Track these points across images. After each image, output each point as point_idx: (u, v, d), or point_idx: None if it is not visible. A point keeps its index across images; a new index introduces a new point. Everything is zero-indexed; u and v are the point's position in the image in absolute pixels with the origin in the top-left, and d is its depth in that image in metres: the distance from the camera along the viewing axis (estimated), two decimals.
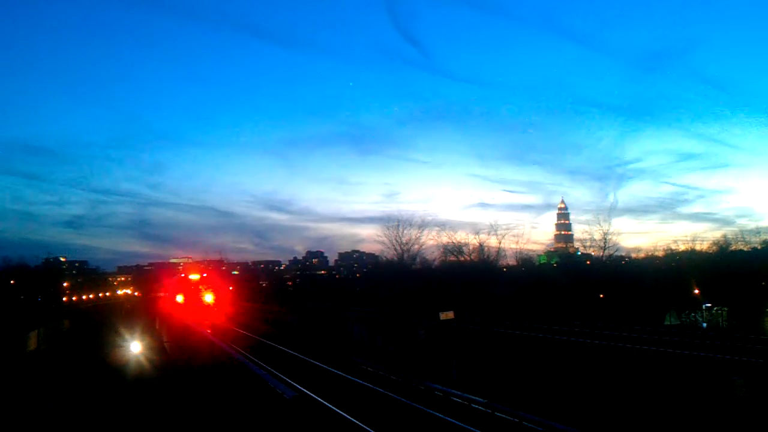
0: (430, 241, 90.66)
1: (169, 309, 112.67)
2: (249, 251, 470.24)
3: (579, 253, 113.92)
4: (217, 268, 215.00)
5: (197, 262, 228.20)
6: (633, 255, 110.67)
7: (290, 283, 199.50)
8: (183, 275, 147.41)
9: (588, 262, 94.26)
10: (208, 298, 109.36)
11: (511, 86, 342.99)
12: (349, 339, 62.47)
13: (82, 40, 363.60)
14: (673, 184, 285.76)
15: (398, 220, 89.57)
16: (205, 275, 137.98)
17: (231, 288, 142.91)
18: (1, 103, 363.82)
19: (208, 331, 78.19)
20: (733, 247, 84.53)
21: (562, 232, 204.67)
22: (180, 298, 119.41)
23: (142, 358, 43.98)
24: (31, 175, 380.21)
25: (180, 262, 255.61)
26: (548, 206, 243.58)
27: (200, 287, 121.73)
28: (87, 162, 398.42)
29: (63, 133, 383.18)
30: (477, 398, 30.18)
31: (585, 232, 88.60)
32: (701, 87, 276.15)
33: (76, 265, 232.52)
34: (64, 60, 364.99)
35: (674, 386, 32.04)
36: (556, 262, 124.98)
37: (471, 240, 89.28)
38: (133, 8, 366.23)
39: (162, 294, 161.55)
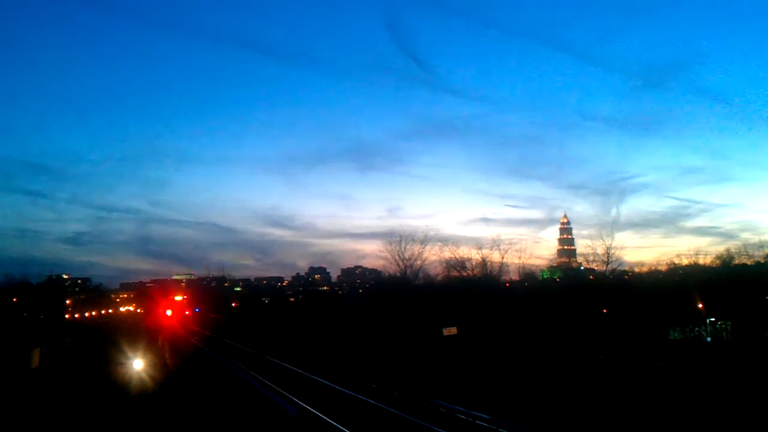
0: (433, 257, 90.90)
1: (164, 323, 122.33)
2: (252, 267, 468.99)
3: (582, 268, 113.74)
4: (220, 286, 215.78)
5: (199, 278, 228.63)
6: (636, 269, 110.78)
7: (292, 299, 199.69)
8: (170, 297, 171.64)
9: (591, 277, 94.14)
10: (186, 313, 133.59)
11: (512, 101, 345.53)
12: (352, 355, 62.25)
13: (84, 58, 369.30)
14: (676, 198, 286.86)
15: (401, 236, 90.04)
16: (185, 297, 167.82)
17: (230, 306, 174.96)
18: (2, 121, 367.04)
19: (199, 341, 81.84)
20: (736, 261, 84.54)
21: (565, 247, 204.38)
22: (169, 312, 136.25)
23: (145, 375, 43.89)
24: (33, 192, 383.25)
25: (182, 279, 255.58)
26: (551, 221, 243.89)
27: (181, 306, 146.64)
28: (89, 179, 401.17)
29: (65, 151, 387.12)
30: (481, 414, 30.03)
31: (588, 246, 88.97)
32: (703, 101, 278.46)
33: (79, 282, 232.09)
34: (66, 77, 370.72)
35: (678, 399, 31.91)
36: (559, 277, 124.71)
37: (474, 255, 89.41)
38: (135, 26, 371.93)
39: (160, 311, 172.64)
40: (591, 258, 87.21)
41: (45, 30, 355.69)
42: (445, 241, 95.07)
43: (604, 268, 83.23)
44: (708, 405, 30.45)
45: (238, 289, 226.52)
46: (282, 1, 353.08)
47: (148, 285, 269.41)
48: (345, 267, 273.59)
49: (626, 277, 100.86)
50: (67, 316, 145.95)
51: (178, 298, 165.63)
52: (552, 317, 74.28)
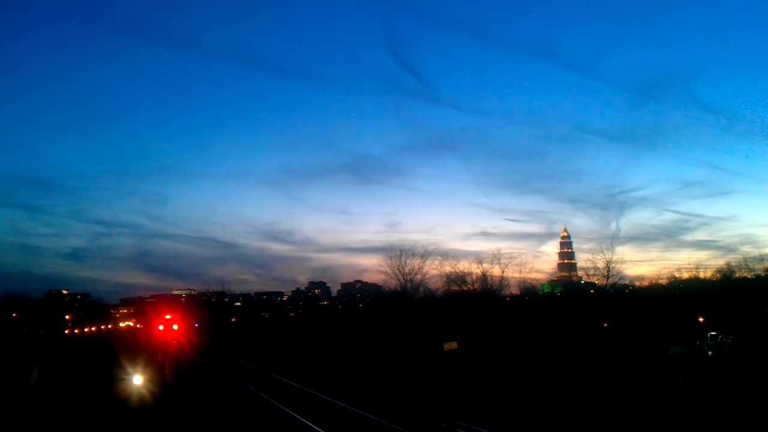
0: (433, 271, 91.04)
1: (164, 338, 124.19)
2: (251, 282, 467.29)
3: (582, 282, 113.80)
4: (220, 300, 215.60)
5: (199, 293, 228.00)
6: (637, 283, 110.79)
7: (292, 314, 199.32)
8: (169, 312, 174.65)
9: (592, 291, 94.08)
10: (175, 327, 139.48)
11: (511, 115, 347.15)
12: (352, 369, 61.99)
13: (82, 72, 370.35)
14: (676, 212, 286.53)
15: (401, 250, 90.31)
16: (185, 312, 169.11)
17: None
18: (1, 136, 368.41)
19: (199, 356, 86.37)
20: (737, 275, 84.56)
21: (566, 261, 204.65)
22: (162, 327, 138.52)
23: (144, 390, 43.74)
24: (32, 207, 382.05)
25: (182, 294, 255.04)
26: (551, 235, 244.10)
27: (180, 321, 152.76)
28: (88, 194, 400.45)
29: (63, 165, 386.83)
30: (482, 430, 29.98)
31: (588, 260, 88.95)
32: (702, 114, 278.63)
33: (78, 297, 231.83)
34: (64, 92, 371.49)
35: (674, 412, 31.77)
36: (559, 291, 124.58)
37: (474, 269, 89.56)
38: (133, 40, 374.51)
39: (159, 326, 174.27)
40: (591, 272, 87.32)
41: (44, 46, 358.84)
42: (445, 255, 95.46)
43: (605, 282, 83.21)
44: (713, 421, 30.34)
45: (238, 303, 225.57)
46: (281, 16, 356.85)
47: (147, 300, 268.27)
48: (345, 281, 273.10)
49: (627, 290, 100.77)
50: (66, 331, 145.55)
51: (170, 316, 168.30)
52: (553, 331, 74.10)
